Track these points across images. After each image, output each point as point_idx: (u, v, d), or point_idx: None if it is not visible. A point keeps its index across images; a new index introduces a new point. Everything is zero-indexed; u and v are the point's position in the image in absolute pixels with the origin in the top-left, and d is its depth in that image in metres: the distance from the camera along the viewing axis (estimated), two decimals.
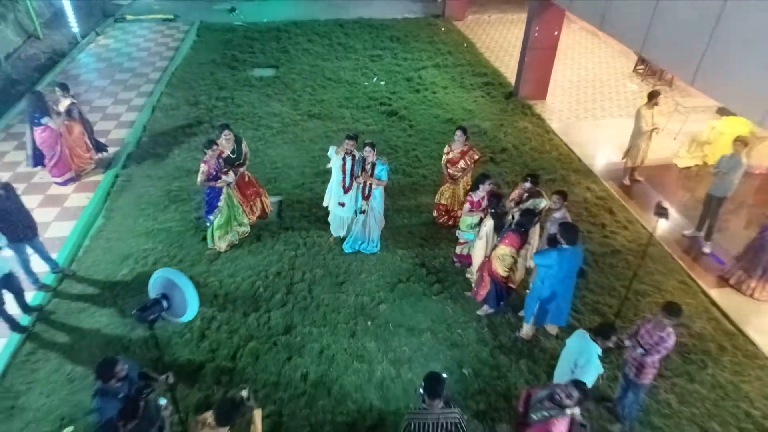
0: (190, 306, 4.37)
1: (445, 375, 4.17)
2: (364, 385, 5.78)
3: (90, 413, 5.10)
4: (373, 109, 11.54)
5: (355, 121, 11.00)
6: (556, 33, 11.39)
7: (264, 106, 11.45)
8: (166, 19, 16.22)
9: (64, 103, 8.74)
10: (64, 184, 8.82)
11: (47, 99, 8.64)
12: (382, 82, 12.63)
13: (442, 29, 15.99)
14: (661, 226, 7.65)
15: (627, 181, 9.29)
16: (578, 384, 4.20)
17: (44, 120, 8.32)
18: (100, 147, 9.52)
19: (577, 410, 4.15)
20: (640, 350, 4.96)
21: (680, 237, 8.11)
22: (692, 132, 10.14)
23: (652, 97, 8.54)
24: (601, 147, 10.36)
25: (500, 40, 15.71)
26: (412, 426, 4.03)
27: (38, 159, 8.70)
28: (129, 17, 16.22)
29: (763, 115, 5.72)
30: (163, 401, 4.39)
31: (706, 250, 7.82)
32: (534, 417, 4.29)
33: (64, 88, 8.82)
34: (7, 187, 6.40)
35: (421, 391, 4.11)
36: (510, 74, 12.89)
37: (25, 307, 6.42)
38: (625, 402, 5.32)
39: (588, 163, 9.84)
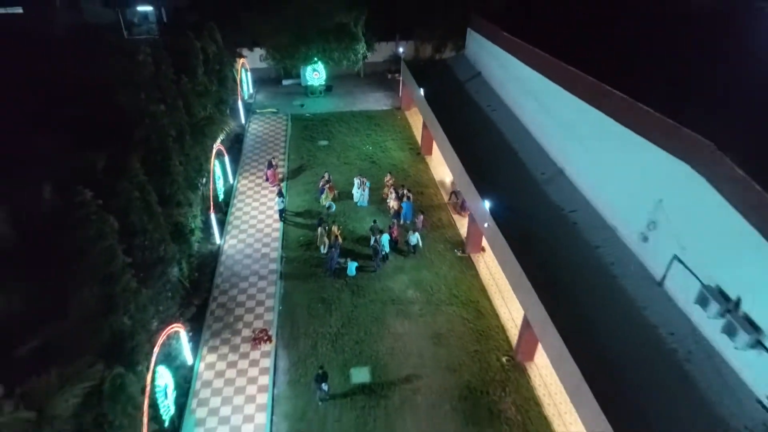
0: None
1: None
2: None
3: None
4: (365, 159, 30.62)
5: (359, 164, 30.12)
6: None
7: (325, 158, 30.57)
8: (274, 112, 35.40)
9: (276, 169, 27.97)
10: (273, 186, 27.97)
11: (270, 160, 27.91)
12: (370, 147, 31.82)
13: (398, 117, 35.20)
14: (450, 200, 26.85)
15: (449, 197, 28.43)
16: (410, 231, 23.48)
17: (269, 170, 27.58)
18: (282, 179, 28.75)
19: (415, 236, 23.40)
20: (418, 222, 24.22)
21: (449, 204, 27.25)
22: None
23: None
24: (444, 178, 29.47)
25: (419, 125, 34.88)
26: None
27: (268, 179, 27.95)
28: (257, 112, 35.41)
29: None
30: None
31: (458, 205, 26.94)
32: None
33: (270, 165, 28.00)
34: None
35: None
36: (422, 136, 32.15)
37: None
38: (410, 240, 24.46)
39: (439, 182, 28.99)
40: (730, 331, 13.58)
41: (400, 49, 37.89)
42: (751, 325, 13.21)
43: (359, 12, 34.55)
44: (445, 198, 27.42)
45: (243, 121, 33.21)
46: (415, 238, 23.21)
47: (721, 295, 14.06)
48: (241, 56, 34.68)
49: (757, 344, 13.12)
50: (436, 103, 28.13)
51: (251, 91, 36.90)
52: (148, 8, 44.89)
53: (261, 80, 38.42)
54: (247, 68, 35.83)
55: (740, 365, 13.74)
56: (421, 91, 29.33)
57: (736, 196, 13.46)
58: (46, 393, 11.59)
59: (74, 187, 13.76)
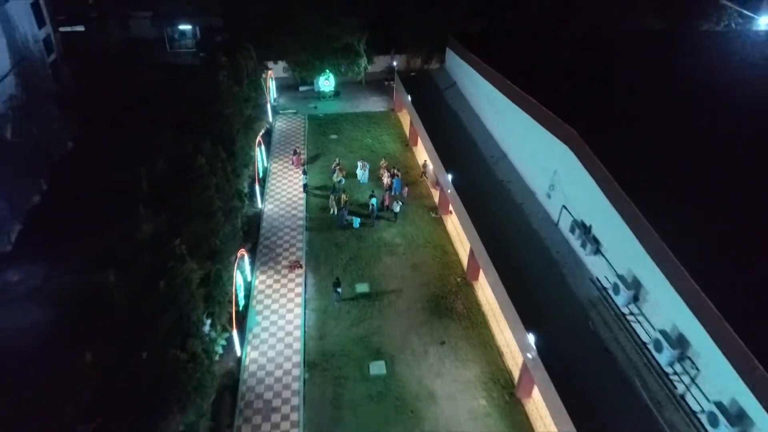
0: None
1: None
2: None
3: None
4: (366, 148, 39.63)
5: (361, 152, 39.11)
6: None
7: (335, 148, 39.59)
8: (294, 113, 44.43)
9: (300, 156, 37.03)
10: (298, 168, 37.00)
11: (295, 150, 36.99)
12: (369, 140, 40.83)
13: (392, 117, 44.21)
14: (427, 172, 35.92)
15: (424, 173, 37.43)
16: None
17: (294, 156, 36.64)
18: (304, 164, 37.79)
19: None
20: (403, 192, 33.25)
21: (423, 177, 36.22)
22: None
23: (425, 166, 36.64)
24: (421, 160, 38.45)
25: (408, 123, 43.85)
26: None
27: (294, 163, 37.01)
28: (281, 112, 44.44)
29: None
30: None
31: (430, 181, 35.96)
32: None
33: (295, 152, 37.06)
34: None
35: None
36: (409, 132, 41.17)
37: None
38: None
39: (421, 166, 37.95)
40: (584, 244, 22.59)
41: (394, 63, 46.94)
42: (595, 241, 22.19)
43: (362, 34, 43.55)
44: (425, 169, 36.55)
45: (270, 119, 42.17)
46: (397, 207, 32.19)
47: (583, 226, 23.03)
48: (268, 69, 43.66)
49: (597, 252, 22.07)
50: (419, 106, 37.16)
51: (275, 95, 45.86)
52: (187, 27, 54.10)
53: (282, 87, 47.38)
54: (272, 77, 44.80)
55: (588, 263, 22.75)
56: (409, 97, 38.38)
57: (590, 167, 22.38)
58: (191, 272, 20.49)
59: (191, 155, 22.81)
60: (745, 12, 52.45)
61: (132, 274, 20.45)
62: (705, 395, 16.17)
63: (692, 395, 16.69)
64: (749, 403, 14.48)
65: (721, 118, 24.86)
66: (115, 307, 19.57)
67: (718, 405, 15.28)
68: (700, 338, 16.31)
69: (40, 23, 34.90)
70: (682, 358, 17.25)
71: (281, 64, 45.79)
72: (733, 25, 53.00)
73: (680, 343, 17.26)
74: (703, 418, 15.99)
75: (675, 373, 17.57)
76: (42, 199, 31.62)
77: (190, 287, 19.28)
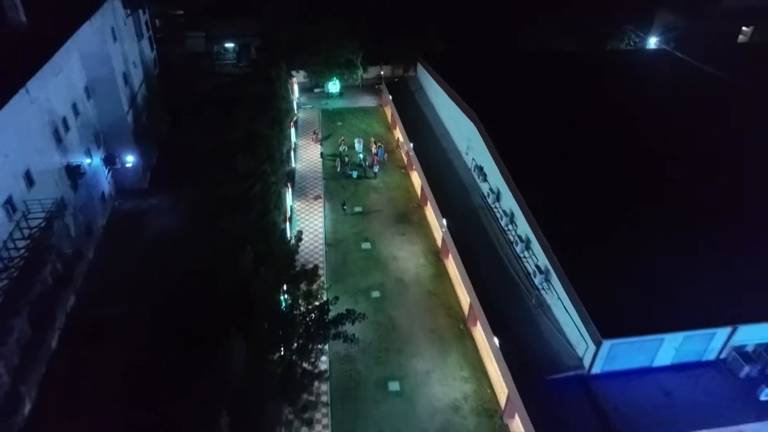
0: None
1: None
2: None
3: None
4: (361, 131, 57.82)
5: (358, 132, 57.30)
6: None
7: (340, 131, 57.76)
8: (311, 107, 62.66)
9: (317, 135, 55.32)
10: (316, 144, 55.21)
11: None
12: (364, 126, 59.08)
13: (380, 110, 62.48)
14: (400, 145, 54.20)
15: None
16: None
17: (313, 135, 54.93)
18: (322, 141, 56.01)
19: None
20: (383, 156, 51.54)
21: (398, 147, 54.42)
22: None
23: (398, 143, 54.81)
24: (400, 140, 56.62)
25: (390, 115, 62.05)
26: None
27: (313, 140, 55.29)
28: (302, 107, 62.69)
29: None
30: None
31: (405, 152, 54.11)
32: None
33: (314, 133, 55.33)
34: None
35: None
36: (390, 119, 59.46)
37: None
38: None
39: (396, 139, 56.15)
40: (479, 176, 40.82)
41: (382, 72, 65.17)
42: (484, 174, 40.37)
43: (358, 52, 61.77)
44: (398, 143, 54.75)
45: (295, 111, 60.39)
46: (376, 168, 50.45)
47: (479, 168, 41.21)
48: (293, 76, 61.79)
49: (485, 180, 40.23)
50: (397, 102, 55.37)
51: (298, 95, 63.97)
52: (231, 44, 72.30)
53: (302, 89, 65.45)
54: (296, 82, 62.88)
55: (480, 186, 41.00)
56: (390, 96, 56.60)
57: (484, 137, 40.48)
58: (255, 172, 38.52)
59: (257, 128, 41.04)
60: (640, 33, 71.03)
61: (233, 193, 38.55)
62: (533, 264, 34.23)
63: (529, 264, 34.67)
64: (548, 265, 32.65)
65: (583, 106, 43.10)
66: (225, 207, 37.60)
67: (537, 267, 33.08)
68: (526, 230, 34.51)
69: (152, 47, 53.07)
70: (527, 244, 35.52)
71: (302, 73, 64.03)
72: (632, 43, 71.53)
73: (511, 217, 35.48)
74: (531, 275, 34.08)
75: (525, 252, 35.80)
76: (157, 157, 49.79)
77: (269, 192, 37.45)
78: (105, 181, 42.40)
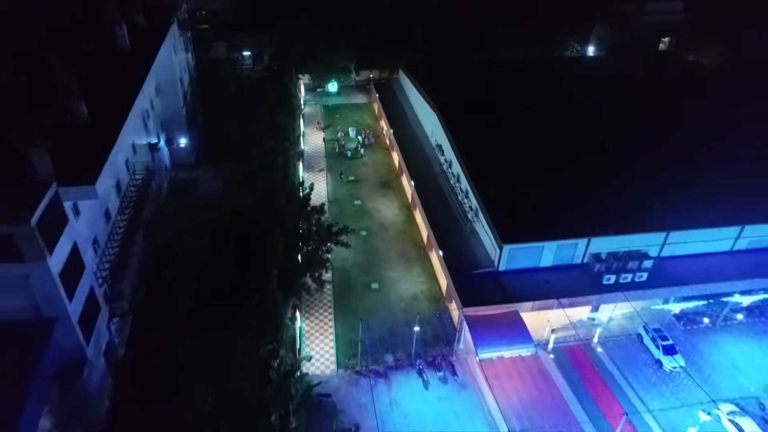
0: None
1: None
2: None
3: None
4: (355, 122, 72.96)
5: (352, 123, 72.47)
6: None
7: (339, 121, 72.86)
8: (315, 103, 77.79)
9: (320, 124, 70.58)
10: (319, 131, 70.40)
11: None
12: (356, 118, 74.27)
13: (370, 106, 77.68)
14: (385, 132, 69.49)
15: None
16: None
17: (317, 125, 70.14)
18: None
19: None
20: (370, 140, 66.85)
21: (384, 135, 69.67)
22: None
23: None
24: (384, 128, 71.78)
25: (377, 109, 77.25)
26: None
27: (317, 128, 70.51)
28: (307, 103, 77.81)
29: None
30: None
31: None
32: None
33: (318, 122, 70.51)
34: None
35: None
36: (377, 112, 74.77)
37: None
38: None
39: (382, 128, 71.40)
40: (438, 151, 56.04)
41: (371, 75, 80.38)
42: (443, 151, 55.57)
43: (353, 61, 76.95)
44: (383, 131, 69.97)
45: (302, 107, 75.44)
46: (362, 150, 65.60)
47: (439, 147, 56.34)
48: (300, 78, 76.85)
49: (442, 153, 55.42)
50: (383, 100, 70.57)
51: (303, 93, 78.98)
52: (247, 53, 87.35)
53: (307, 89, 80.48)
54: (302, 83, 77.91)
55: (440, 161, 56.22)
56: (377, 95, 71.80)
57: (442, 125, 55.64)
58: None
59: (278, 121, 56.19)
60: (580, 45, 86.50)
61: (263, 163, 53.55)
62: (468, 206, 49.45)
63: (466, 207, 49.90)
64: (477, 206, 47.93)
65: (520, 99, 58.37)
66: (258, 172, 52.52)
67: (470, 207, 48.39)
68: (467, 186, 49.79)
69: (193, 57, 68.12)
70: (467, 194, 50.82)
71: (307, 76, 79.24)
72: (574, 51, 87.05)
73: (457, 178, 50.75)
74: (467, 213, 49.32)
75: (465, 199, 51.08)
76: (199, 141, 64.82)
77: (288, 162, 52.52)
78: (166, 157, 57.42)
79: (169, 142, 57.05)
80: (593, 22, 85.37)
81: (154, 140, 50.98)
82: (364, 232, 52.15)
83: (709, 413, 35.33)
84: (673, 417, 35.42)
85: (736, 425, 34.49)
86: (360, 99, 79.71)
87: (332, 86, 79.48)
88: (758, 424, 34.47)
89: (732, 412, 35.27)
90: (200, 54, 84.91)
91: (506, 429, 34.40)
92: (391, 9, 79.15)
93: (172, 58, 53.92)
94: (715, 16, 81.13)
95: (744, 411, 35.63)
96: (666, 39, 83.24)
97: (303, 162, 61.93)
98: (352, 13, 77.12)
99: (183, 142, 58.48)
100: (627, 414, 32.63)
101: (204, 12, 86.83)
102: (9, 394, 25.47)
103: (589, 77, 68.56)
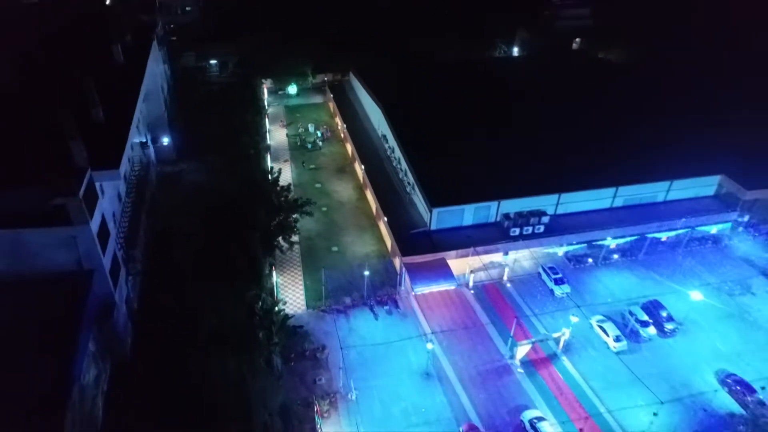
0: None
1: None
2: None
3: None
4: (313, 119, 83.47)
5: (311, 120, 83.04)
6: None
7: (299, 118, 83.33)
8: (277, 104, 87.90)
9: (283, 123, 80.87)
10: (282, 128, 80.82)
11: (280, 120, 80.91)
12: (314, 116, 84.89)
13: (326, 105, 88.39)
14: (340, 126, 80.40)
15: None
16: None
17: (280, 122, 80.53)
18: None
19: None
20: None
21: (339, 130, 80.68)
22: None
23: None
24: (339, 123, 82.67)
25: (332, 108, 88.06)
26: None
27: (280, 126, 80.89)
28: (271, 104, 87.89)
29: None
30: None
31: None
32: None
33: (281, 121, 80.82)
34: None
35: None
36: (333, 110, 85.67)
37: None
38: None
39: (337, 124, 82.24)
40: (384, 140, 67.30)
41: (326, 78, 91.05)
42: (387, 140, 66.83)
43: (310, 66, 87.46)
44: (338, 126, 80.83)
45: (267, 107, 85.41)
46: (321, 143, 76.33)
47: (384, 137, 67.57)
48: (263, 82, 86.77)
49: (387, 141, 66.69)
50: (337, 99, 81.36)
51: (266, 95, 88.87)
52: (214, 61, 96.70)
53: (269, 91, 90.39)
54: (266, 87, 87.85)
55: (385, 146, 67.48)
56: (332, 95, 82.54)
57: (386, 119, 66.78)
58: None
59: (246, 118, 66.35)
60: (506, 46, 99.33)
61: (239, 155, 63.64)
62: (407, 182, 60.78)
63: (406, 183, 61.21)
64: (413, 181, 59.33)
65: (454, 94, 70.07)
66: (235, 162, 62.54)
67: (409, 183, 59.75)
68: (405, 166, 61.14)
69: (169, 67, 77.34)
70: (405, 172, 62.17)
71: (269, 80, 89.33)
72: (502, 53, 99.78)
73: (398, 161, 62.09)
74: (406, 187, 60.66)
75: (404, 177, 62.45)
76: (178, 139, 74.13)
77: (259, 155, 62.74)
78: (152, 154, 66.81)
79: (154, 140, 66.35)
80: (516, 27, 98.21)
81: (143, 139, 60.38)
82: (324, 209, 62.95)
83: (577, 317, 47.49)
84: (551, 321, 47.79)
85: (602, 329, 46.90)
86: (317, 99, 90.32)
87: (292, 89, 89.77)
88: (617, 327, 46.98)
89: (600, 321, 47.70)
90: (173, 63, 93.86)
91: (431, 332, 45.98)
92: (341, 21, 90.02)
93: (155, 69, 63.32)
94: (618, 21, 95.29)
95: (609, 319, 48.11)
96: (578, 39, 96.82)
97: (270, 155, 72.21)
98: (308, 25, 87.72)
99: (165, 140, 67.82)
100: (517, 317, 44.67)
101: (172, 26, 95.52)
102: (68, 322, 35.22)
103: (512, 73, 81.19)
